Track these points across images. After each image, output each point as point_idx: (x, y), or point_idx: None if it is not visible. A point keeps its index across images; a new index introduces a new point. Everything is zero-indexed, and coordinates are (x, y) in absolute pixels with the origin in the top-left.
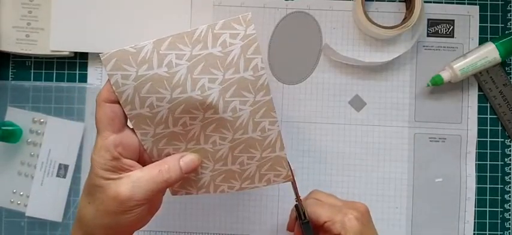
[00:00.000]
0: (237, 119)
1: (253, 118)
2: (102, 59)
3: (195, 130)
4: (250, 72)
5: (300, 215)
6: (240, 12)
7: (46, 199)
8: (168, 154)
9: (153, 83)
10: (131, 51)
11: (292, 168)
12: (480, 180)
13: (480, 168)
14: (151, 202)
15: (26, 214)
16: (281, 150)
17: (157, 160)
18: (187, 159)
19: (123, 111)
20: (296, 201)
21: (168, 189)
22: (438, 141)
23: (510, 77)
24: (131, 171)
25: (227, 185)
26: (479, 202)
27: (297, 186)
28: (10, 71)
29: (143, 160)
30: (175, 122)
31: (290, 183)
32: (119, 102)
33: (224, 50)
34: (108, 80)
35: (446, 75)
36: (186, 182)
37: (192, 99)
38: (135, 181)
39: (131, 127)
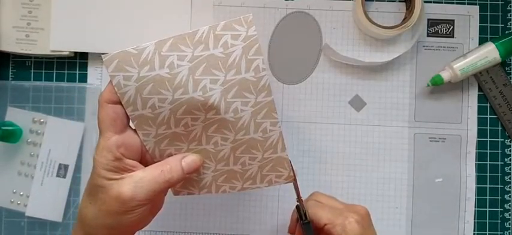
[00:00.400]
0: (239, 120)
1: (255, 119)
2: (104, 60)
3: (197, 131)
4: (252, 73)
5: (301, 216)
6: (240, 12)
7: (46, 199)
8: (170, 155)
9: (155, 84)
10: (133, 52)
11: (294, 169)
12: (480, 180)
13: (480, 168)
14: (153, 203)
15: (26, 214)
16: (283, 151)
17: (160, 161)
18: (189, 159)
19: (125, 112)
20: (297, 202)
21: (169, 190)
22: (438, 141)
23: (510, 77)
24: (133, 171)
25: (229, 185)
26: (479, 202)
27: (299, 187)
28: (10, 71)
29: (145, 160)
30: (177, 123)
31: (291, 183)
32: (121, 103)
33: (226, 51)
34: (110, 81)
35: (446, 75)
36: (188, 182)
37: (194, 100)
38: (137, 181)
39: (133, 128)
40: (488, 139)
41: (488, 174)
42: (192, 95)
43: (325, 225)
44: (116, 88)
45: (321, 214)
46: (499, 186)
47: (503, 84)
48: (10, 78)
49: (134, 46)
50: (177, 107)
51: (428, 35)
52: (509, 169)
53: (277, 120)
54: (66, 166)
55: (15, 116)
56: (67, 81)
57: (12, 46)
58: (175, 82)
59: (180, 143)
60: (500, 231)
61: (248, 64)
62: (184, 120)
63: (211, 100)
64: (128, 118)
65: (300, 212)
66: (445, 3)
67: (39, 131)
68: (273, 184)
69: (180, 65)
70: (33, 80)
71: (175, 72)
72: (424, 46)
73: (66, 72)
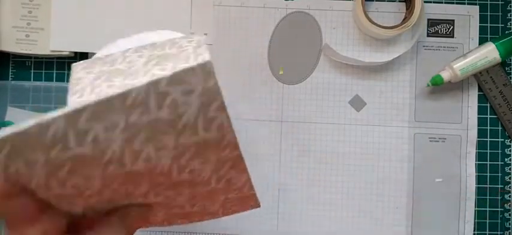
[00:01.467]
0: (197, 177)
1: (218, 173)
2: None
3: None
4: (214, 133)
5: None
6: (240, 13)
7: None
8: None
9: (75, 164)
10: (32, 131)
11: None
12: (480, 180)
13: (480, 168)
14: None
15: None
16: (250, 190)
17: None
18: None
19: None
20: None
21: None
22: (438, 141)
23: (510, 77)
24: None
25: (188, 220)
26: (479, 202)
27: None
28: (10, 71)
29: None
30: (113, 196)
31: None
32: (24, 192)
33: (175, 111)
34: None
35: (446, 75)
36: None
37: (134, 172)
38: None
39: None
40: (488, 139)
41: (488, 174)
42: (131, 168)
43: None
44: (15, 176)
45: None
46: (499, 186)
47: (503, 84)
48: (10, 78)
49: (32, 122)
50: (110, 181)
51: (428, 35)
52: (509, 169)
53: (244, 168)
54: None
55: (15, 116)
56: (67, 81)
57: (12, 46)
58: (105, 159)
59: None
60: (500, 231)
61: (207, 123)
62: (124, 189)
63: (158, 168)
64: (40, 200)
65: None
66: (445, 3)
67: None
68: (238, 212)
69: (109, 138)
70: (33, 80)
71: (103, 147)
72: (424, 46)
73: (66, 72)
